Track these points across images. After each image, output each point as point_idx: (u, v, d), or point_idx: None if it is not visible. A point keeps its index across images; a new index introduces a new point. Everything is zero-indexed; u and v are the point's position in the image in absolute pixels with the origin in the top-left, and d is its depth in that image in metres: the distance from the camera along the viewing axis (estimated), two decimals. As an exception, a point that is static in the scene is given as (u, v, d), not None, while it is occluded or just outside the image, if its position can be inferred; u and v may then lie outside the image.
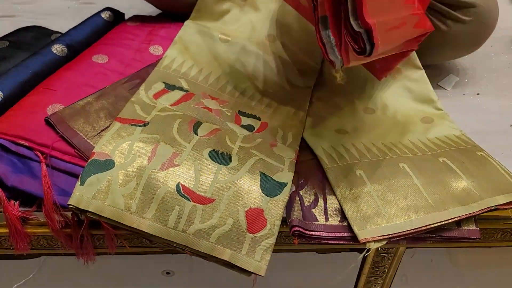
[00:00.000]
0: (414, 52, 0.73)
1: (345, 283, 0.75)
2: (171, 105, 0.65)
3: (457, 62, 0.87)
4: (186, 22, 0.79)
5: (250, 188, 0.55)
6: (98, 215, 0.52)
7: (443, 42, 0.76)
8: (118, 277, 0.72)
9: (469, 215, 0.56)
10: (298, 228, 0.54)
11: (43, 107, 0.60)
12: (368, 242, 0.54)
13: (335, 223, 0.56)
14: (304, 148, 0.65)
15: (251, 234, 0.53)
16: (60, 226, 0.56)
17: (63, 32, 0.76)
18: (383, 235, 0.54)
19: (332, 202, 0.57)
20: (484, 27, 0.74)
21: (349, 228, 0.55)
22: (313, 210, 0.56)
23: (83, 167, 0.55)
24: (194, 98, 0.67)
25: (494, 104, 0.79)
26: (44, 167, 0.55)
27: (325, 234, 0.55)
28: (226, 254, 0.52)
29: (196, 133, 0.60)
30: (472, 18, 0.72)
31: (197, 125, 0.62)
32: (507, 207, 0.58)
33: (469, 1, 0.72)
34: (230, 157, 0.58)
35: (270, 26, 0.80)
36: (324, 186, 0.59)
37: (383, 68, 0.65)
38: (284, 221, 0.55)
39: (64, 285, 0.73)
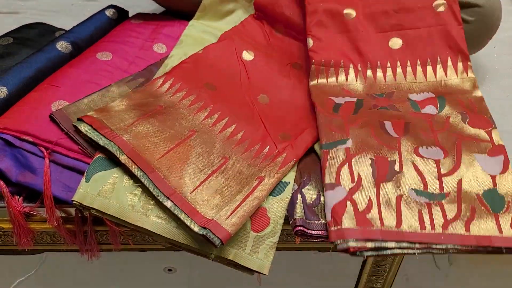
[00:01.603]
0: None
1: (346, 282, 0.75)
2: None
3: (460, 63, 0.87)
4: (191, 22, 0.80)
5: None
6: (102, 212, 0.52)
7: (446, 42, 0.76)
8: (120, 273, 0.73)
9: None
10: (301, 228, 0.54)
11: (48, 104, 0.61)
12: None
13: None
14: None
15: (254, 233, 0.53)
16: (60, 222, 0.57)
17: (67, 29, 0.77)
18: None
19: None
20: (487, 27, 0.74)
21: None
22: (315, 209, 0.56)
23: (88, 163, 0.55)
24: None
25: (497, 104, 0.78)
26: (47, 162, 0.56)
27: (326, 233, 0.55)
28: (229, 252, 0.53)
29: None
30: (475, 18, 0.72)
31: None
32: None
33: (473, 1, 0.72)
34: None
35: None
36: (327, 184, 0.59)
37: None
38: (286, 219, 0.55)
39: (65, 281, 0.73)
